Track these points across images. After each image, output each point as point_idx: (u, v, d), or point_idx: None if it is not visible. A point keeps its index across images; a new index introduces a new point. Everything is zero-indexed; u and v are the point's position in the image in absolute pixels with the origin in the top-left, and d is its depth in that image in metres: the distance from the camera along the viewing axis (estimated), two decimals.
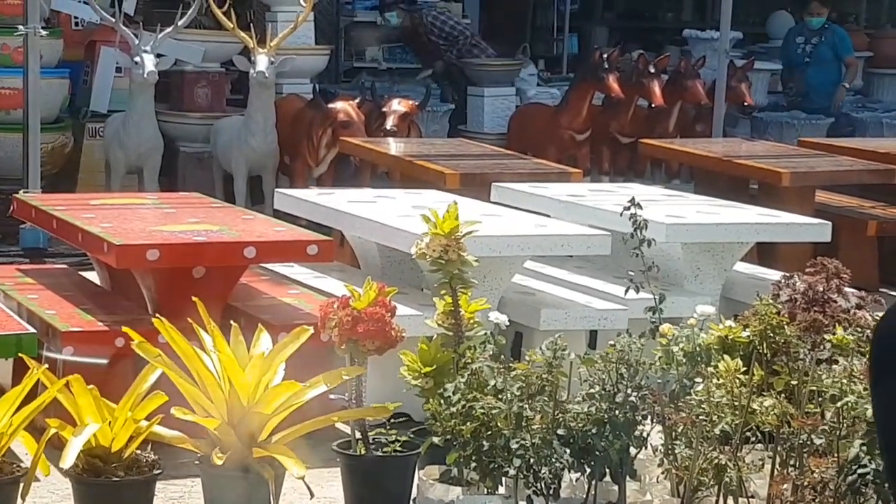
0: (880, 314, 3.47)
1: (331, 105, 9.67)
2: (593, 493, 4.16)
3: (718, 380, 3.93)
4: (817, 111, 11.03)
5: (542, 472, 3.98)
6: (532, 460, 3.97)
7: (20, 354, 4.79)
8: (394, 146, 8.93)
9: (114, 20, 9.42)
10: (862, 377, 3.68)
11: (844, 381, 3.77)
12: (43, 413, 4.34)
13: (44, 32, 8.93)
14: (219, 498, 4.34)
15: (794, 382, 3.99)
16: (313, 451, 4.44)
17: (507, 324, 4.95)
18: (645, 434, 4.12)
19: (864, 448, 3.49)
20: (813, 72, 11.13)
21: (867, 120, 12.15)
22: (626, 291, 4.92)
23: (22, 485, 4.10)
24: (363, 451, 4.54)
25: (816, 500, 3.65)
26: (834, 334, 3.95)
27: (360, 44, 12.65)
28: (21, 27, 8.65)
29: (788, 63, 11.59)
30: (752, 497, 3.98)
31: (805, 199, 7.70)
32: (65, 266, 7.13)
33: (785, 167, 7.97)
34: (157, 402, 4.23)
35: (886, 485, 3.11)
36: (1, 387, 4.92)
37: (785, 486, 3.77)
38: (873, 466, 3.45)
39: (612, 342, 4.24)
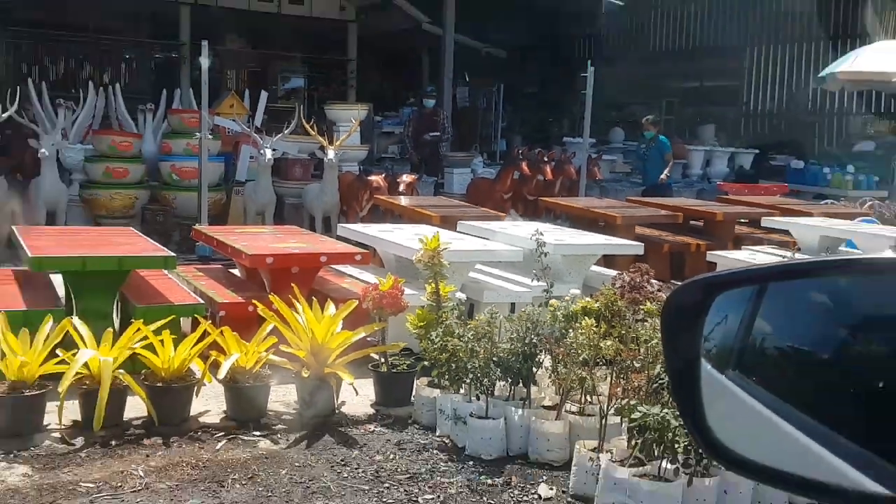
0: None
1: (369, 177, 12.47)
2: (512, 392, 5.50)
3: (581, 330, 5.02)
4: (650, 186, 13.92)
5: (484, 381, 5.28)
6: (479, 374, 5.27)
7: (195, 315, 6.19)
8: (404, 200, 11.19)
9: (249, 131, 12.25)
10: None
11: (651, 332, 4.87)
12: (207, 348, 5.60)
13: (210, 136, 11.49)
14: (306, 396, 5.62)
15: (623, 332, 5.06)
16: (357, 369, 5.72)
17: (465, 299, 6.62)
18: (540, 360, 5.36)
19: (662, 368, 4.42)
20: (648, 165, 14.15)
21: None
22: (532, 281, 6.31)
23: (196, 387, 5.53)
24: (385, 369, 5.98)
25: (634, 397, 4.57)
26: (645, 306, 5.17)
27: (385, 144, 16.33)
28: (197, 133, 11.21)
29: (635, 158, 15.54)
30: (600, 395, 5.04)
31: (629, 231, 9.99)
32: (220, 266, 8.57)
33: (618, 213, 10.42)
34: (271, 341, 5.62)
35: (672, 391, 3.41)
36: (184, 333, 5.89)
37: (618, 389, 4.78)
38: (667, 379, 3.91)
39: (523, 310, 5.63)
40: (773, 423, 0.83)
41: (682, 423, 4.15)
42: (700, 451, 3.84)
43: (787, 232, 9.86)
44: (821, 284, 0.87)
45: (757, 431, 0.84)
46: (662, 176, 13.73)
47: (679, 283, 0.99)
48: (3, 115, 11.20)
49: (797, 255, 8.45)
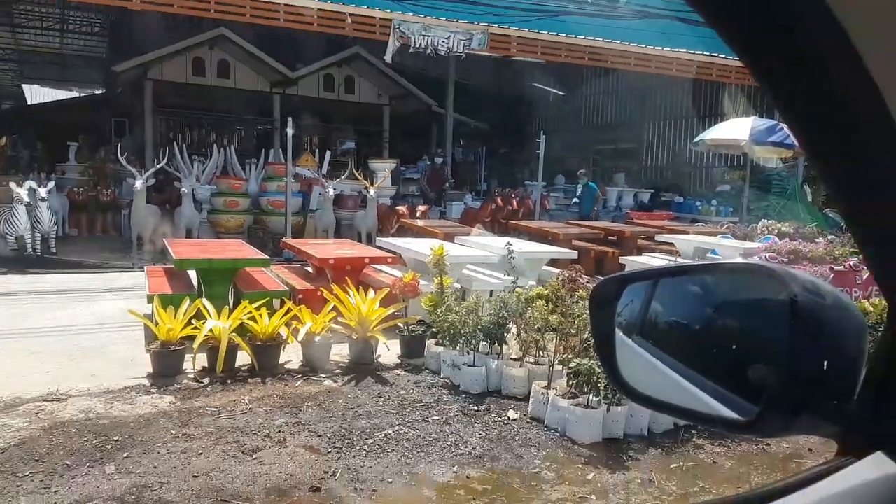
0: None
1: (397, 207, 12.60)
2: (490, 349, 5.49)
3: (536, 309, 5.14)
4: (583, 216, 13.69)
5: (472, 342, 5.36)
6: (469, 337, 5.36)
7: (282, 297, 6.28)
8: (419, 222, 11.25)
9: (318, 177, 12.33)
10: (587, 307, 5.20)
11: (582, 310, 4.85)
12: (291, 319, 5.68)
13: (293, 180, 11.29)
14: (354, 352, 5.72)
15: (564, 310, 5.04)
16: (389, 333, 5.79)
17: (460, 287, 6.62)
18: (509, 328, 5.46)
19: (589, 335, 4.35)
20: (583, 203, 14.22)
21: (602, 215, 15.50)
22: (504, 275, 6.45)
23: (283, 345, 5.57)
24: (407, 333, 5.96)
25: (571, 353, 4.81)
26: (579, 293, 5.25)
27: (407, 186, 16.00)
28: (284, 179, 11.08)
29: (574, 197, 14.97)
30: (549, 352, 5.13)
31: (568, 243, 9.88)
32: (299, 265, 8.54)
33: (560, 231, 10.55)
34: (332, 314, 5.72)
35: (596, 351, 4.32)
36: (275, 309, 5.91)
37: (561, 347, 5.00)
38: (593, 342, 4.99)
39: (498, 295, 5.72)
40: (662, 371, 0.83)
41: (603, 371, 4.26)
42: (615, 390, 3.93)
43: (672, 244, 9.87)
44: (693, 280, 0.87)
45: (652, 377, 0.84)
46: (591, 214, 14.00)
47: (601, 278, 1.00)
48: (157, 166, 11.28)
49: (679, 260, 8.47)
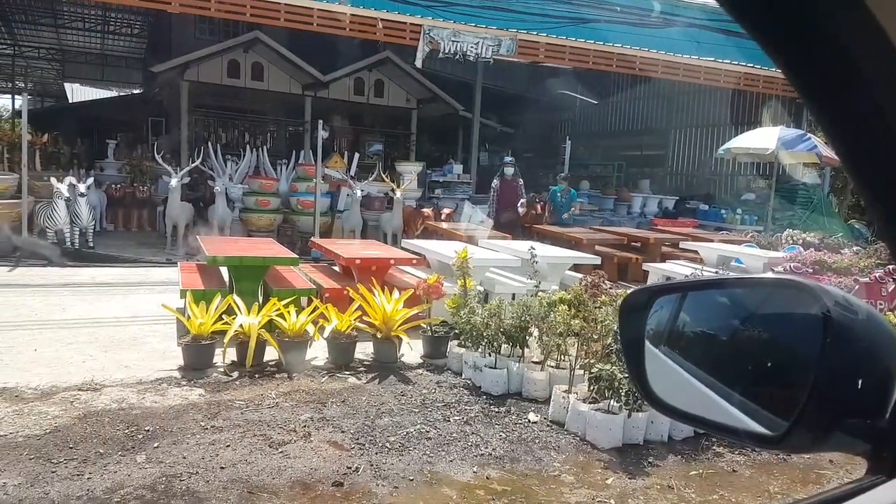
0: (621, 291, 5.44)
1: (422, 209, 12.43)
2: (512, 352, 5.45)
3: (558, 313, 5.10)
4: (557, 223, 12.02)
5: (494, 344, 5.32)
6: (491, 339, 5.32)
7: (310, 296, 6.26)
8: (444, 225, 11.01)
9: (346, 178, 12.30)
10: (612, 314, 4.75)
11: (605, 315, 4.86)
12: (317, 317, 5.71)
13: (322, 181, 11.57)
14: (378, 351, 5.74)
15: (586, 315, 5.04)
16: (412, 333, 5.80)
17: (483, 290, 6.61)
18: (531, 331, 5.42)
19: (612, 339, 4.62)
20: (562, 208, 12.33)
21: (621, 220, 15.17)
22: (526, 279, 6.42)
23: (309, 342, 5.59)
24: (430, 334, 5.96)
25: (593, 358, 4.78)
26: (601, 298, 5.20)
27: (433, 187, 15.48)
28: (314, 179, 11.36)
29: (551, 201, 12.68)
30: (570, 356, 5.09)
31: (591, 248, 9.59)
32: (326, 264, 8.54)
33: (583, 236, 10.28)
34: (357, 313, 5.74)
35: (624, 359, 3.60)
36: (302, 308, 5.92)
37: (583, 352, 4.93)
38: (616, 347, 4.44)
39: (521, 298, 5.71)
40: (689, 382, 0.82)
41: (626, 375, 4.21)
42: (639, 397, 3.87)
43: (696, 252, 9.77)
44: (723, 293, 0.86)
45: (679, 387, 0.83)
46: (566, 215, 12.30)
47: (624, 284, 0.99)
48: (192, 165, 11.44)
49: (703, 268, 8.38)
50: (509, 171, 12.19)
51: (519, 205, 12.03)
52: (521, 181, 12.43)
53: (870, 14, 0.55)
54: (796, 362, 0.71)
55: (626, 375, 4.18)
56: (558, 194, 12.68)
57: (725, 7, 0.64)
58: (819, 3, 0.59)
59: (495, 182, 12.32)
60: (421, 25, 11.68)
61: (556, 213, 12.60)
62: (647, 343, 0.89)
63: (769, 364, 0.76)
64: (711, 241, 10.54)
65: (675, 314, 0.88)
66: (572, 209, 12.55)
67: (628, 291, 0.97)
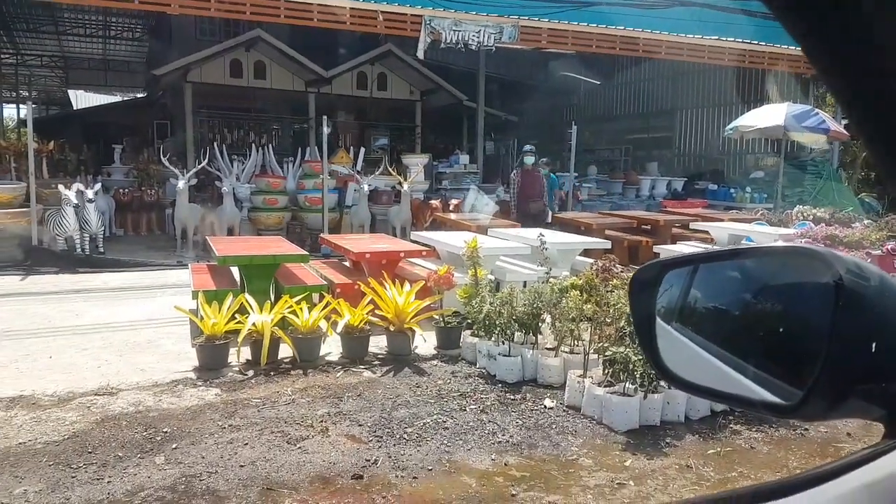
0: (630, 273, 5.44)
1: (430, 201, 12.42)
2: (525, 339, 5.46)
3: (570, 298, 5.11)
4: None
5: (507, 332, 5.31)
6: (504, 328, 5.31)
7: (321, 292, 6.23)
8: (453, 216, 10.98)
9: (353, 173, 12.32)
10: (624, 297, 4.70)
11: (617, 299, 4.83)
12: (330, 312, 5.69)
13: (329, 177, 11.56)
14: (392, 344, 5.76)
15: (598, 299, 5.02)
16: (425, 325, 5.82)
17: (494, 279, 6.59)
18: (543, 318, 5.40)
19: (625, 322, 4.64)
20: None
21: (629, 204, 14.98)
22: (537, 266, 6.39)
23: (323, 337, 5.60)
24: (443, 325, 5.95)
25: (607, 342, 4.76)
26: (612, 282, 5.18)
27: (440, 179, 15.41)
28: (321, 176, 11.44)
29: None
30: (584, 341, 5.08)
31: (601, 233, 9.77)
32: (336, 260, 8.58)
33: (593, 221, 10.32)
34: (369, 307, 5.73)
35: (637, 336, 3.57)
36: (314, 304, 5.96)
37: (596, 336, 4.93)
38: (630, 330, 4.47)
39: (533, 285, 5.68)
40: (702, 356, 0.82)
41: (640, 357, 4.22)
42: (655, 375, 3.87)
43: (706, 232, 9.72)
44: (733, 264, 0.86)
45: (692, 362, 0.83)
46: (552, 205, 11.52)
47: (636, 268, 0.99)
48: (199, 166, 11.46)
49: (714, 247, 8.34)
50: (529, 160, 11.06)
51: (543, 197, 11.09)
52: (545, 170, 11.40)
53: None
54: (809, 331, 0.70)
55: (641, 357, 4.20)
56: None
57: None
58: None
59: (514, 173, 11.35)
60: (421, 16, 11.63)
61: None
62: (659, 319, 0.88)
63: (782, 334, 0.75)
64: (721, 220, 10.49)
65: (686, 289, 0.87)
66: (554, 200, 11.66)
67: (637, 268, 0.95)
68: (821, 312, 0.66)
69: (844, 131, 12.03)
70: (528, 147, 11.33)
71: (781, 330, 0.76)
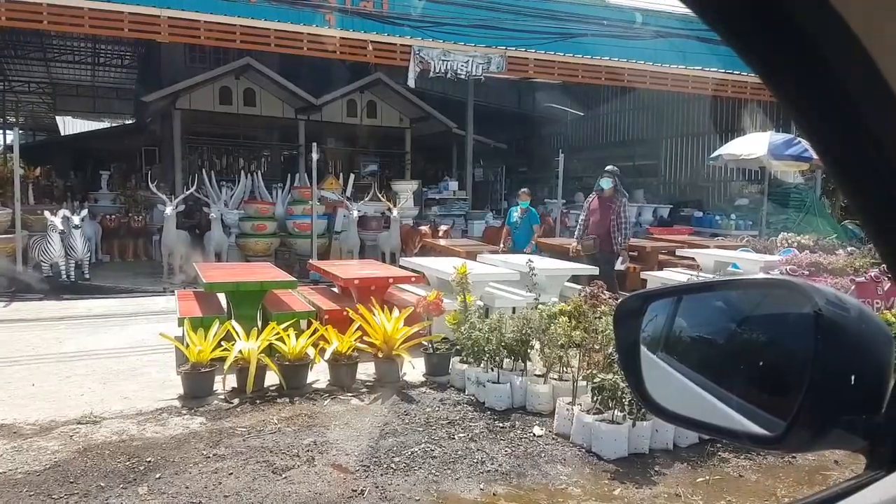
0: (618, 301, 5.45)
1: (419, 227, 12.49)
2: (514, 366, 5.44)
3: (559, 325, 5.08)
4: (517, 252, 9.53)
5: (496, 358, 5.32)
6: (492, 354, 5.31)
7: (309, 318, 6.22)
8: (442, 241, 11.05)
9: (342, 199, 12.19)
10: (610, 323, 4.59)
11: (605, 325, 4.83)
12: (318, 339, 5.66)
13: (318, 203, 11.59)
14: (380, 371, 5.73)
15: (586, 325, 5.00)
16: (414, 351, 5.77)
17: (483, 304, 6.57)
18: (532, 344, 5.35)
19: (613, 349, 4.49)
20: (519, 232, 9.97)
21: None
22: (526, 292, 6.36)
23: (310, 364, 5.57)
24: (432, 351, 5.94)
25: (595, 369, 4.78)
26: (601, 308, 5.16)
27: (429, 206, 15.43)
28: (310, 202, 11.43)
29: (508, 224, 10.35)
30: (573, 367, 5.08)
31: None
32: (324, 286, 8.55)
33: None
34: (357, 334, 5.69)
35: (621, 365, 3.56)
36: (302, 330, 5.90)
37: (585, 363, 4.92)
38: (617, 357, 4.88)
39: (521, 312, 5.63)
40: (687, 387, 0.82)
41: (628, 385, 4.21)
42: (641, 406, 3.85)
43: (693, 258, 9.77)
44: (716, 296, 0.86)
45: (677, 393, 0.83)
46: (527, 249, 9.70)
47: (625, 295, 1.00)
48: (187, 193, 11.46)
49: (700, 274, 8.38)
50: (606, 184, 8.63)
51: (614, 235, 8.46)
52: (625, 200, 8.78)
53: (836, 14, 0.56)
54: (791, 362, 0.71)
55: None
56: (514, 215, 10.23)
57: (696, 12, 0.65)
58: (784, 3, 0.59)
59: (588, 199, 9.07)
60: (411, 46, 11.76)
61: (514, 241, 10.10)
62: (644, 349, 0.89)
63: (765, 365, 0.76)
64: (707, 247, 10.54)
65: (671, 319, 0.88)
66: (532, 242, 10.00)
67: (620, 299, 0.95)
68: (802, 343, 0.67)
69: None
70: (608, 168, 8.87)
71: (764, 360, 0.77)
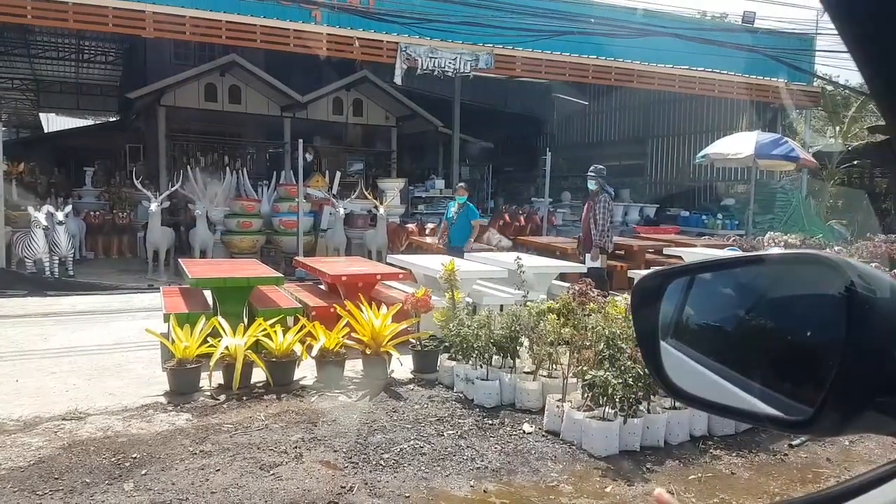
0: (609, 299, 5.43)
1: (406, 225, 12.46)
2: (503, 363, 5.41)
3: (548, 322, 5.10)
4: (453, 248, 9.11)
5: (485, 356, 5.27)
6: (481, 351, 5.26)
7: (296, 315, 6.20)
8: (428, 239, 10.99)
9: (328, 197, 12.10)
10: (601, 321, 4.71)
11: (595, 322, 4.81)
12: (305, 336, 5.62)
13: (304, 201, 11.39)
14: (368, 367, 5.67)
15: (575, 323, 5.08)
16: (402, 348, 5.69)
17: (471, 302, 6.58)
18: (521, 342, 5.37)
19: (603, 346, 4.53)
20: (455, 228, 9.43)
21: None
22: (514, 289, 6.40)
23: (297, 361, 5.52)
24: (420, 348, 5.88)
25: (585, 365, 4.66)
26: (589, 306, 5.26)
27: (416, 203, 15.47)
28: (296, 199, 11.19)
29: (446, 219, 9.79)
30: (562, 364, 5.05)
31: (576, 257, 9.27)
32: (311, 283, 8.56)
33: (568, 245, 10.19)
34: (345, 331, 5.64)
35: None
36: (288, 327, 5.91)
37: (574, 360, 4.86)
38: (608, 353, 4.42)
39: (509, 309, 5.66)
40: (709, 371, 0.79)
41: (619, 381, 4.19)
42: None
43: (680, 257, 9.79)
44: (737, 274, 0.83)
45: (698, 376, 0.80)
46: (466, 246, 9.26)
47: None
48: (172, 189, 11.34)
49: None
50: (591, 185, 8.75)
51: (592, 231, 8.51)
52: (605, 196, 8.65)
53: None
54: (821, 341, 0.67)
55: (620, 381, 4.19)
56: (451, 210, 9.74)
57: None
58: None
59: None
60: (398, 43, 11.70)
61: (450, 236, 9.57)
62: (662, 332, 0.85)
63: (792, 346, 0.73)
64: (694, 246, 10.58)
65: (690, 301, 0.84)
66: (470, 239, 9.50)
67: (638, 278, 0.91)
68: (833, 322, 0.64)
69: (813, 159, 12.28)
70: (591, 169, 8.85)
71: (790, 342, 0.74)
